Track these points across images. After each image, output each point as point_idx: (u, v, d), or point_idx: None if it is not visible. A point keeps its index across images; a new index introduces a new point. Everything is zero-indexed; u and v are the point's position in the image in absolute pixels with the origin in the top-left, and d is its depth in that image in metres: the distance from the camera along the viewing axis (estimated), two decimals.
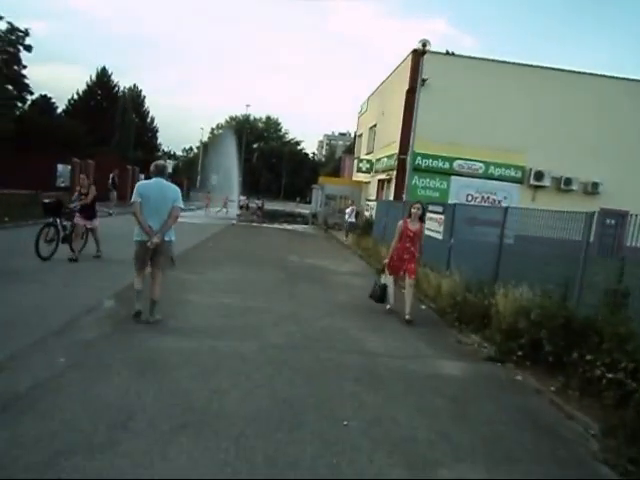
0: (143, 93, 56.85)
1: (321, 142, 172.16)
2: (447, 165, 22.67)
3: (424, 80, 22.18)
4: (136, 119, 50.66)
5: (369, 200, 28.31)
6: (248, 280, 10.59)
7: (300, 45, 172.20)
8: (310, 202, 57.08)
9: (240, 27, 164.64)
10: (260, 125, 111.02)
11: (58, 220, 10.12)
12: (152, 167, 6.28)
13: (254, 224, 27.23)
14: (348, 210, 23.09)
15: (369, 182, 29.97)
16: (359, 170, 29.35)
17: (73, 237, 10.25)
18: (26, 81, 49.18)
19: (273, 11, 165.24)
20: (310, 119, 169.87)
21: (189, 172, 67.68)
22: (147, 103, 57.42)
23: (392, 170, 23.78)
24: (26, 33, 48.87)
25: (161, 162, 6.76)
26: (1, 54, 48.73)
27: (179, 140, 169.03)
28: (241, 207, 34.98)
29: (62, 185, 20.63)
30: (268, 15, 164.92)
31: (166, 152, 57.46)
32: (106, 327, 6.07)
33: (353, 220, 22.53)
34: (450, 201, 18.99)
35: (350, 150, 47.57)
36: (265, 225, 27.74)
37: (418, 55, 22.43)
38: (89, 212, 10.54)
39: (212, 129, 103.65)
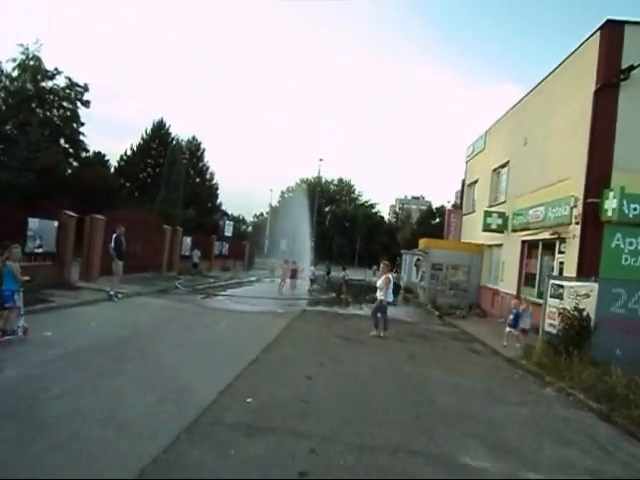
0: (202, 146, 50.89)
1: (393, 206, 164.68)
2: None
3: (630, 69, 12.99)
4: (192, 173, 44.66)
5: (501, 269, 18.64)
6: None
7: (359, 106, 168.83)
8: (397, 271, 47.79)
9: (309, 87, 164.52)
10: (332, 187, 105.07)
11: None
12: None
13: (336, 309, 18.23)
14: (517, 310, 12.61)
15: (500, 245, 20.44)
16: (486, 228, 19.97)
17: None
18: (81, 138, 45.07)
19: (335, 68, 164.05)
20: (380, 184, 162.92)
21: (258, 237, 61.17)
22: (207, 158, 51.46)
23: (564, 225, 14.28)
24: (85, 88, 45.27)
25: None
26: (60, 111, 45.23)
27: (249, 207, 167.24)
28: (312, 280, 26.10)
29: (37, 247, 12.91)
30: (330, 71, 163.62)
31: (226, 213, 50.43)
32: None
33: (527, 326, 12.30)
34: None
35: (454, 206, 38.36)
36: (352, 310, 18.57)
37: (616, 30, 13.40)
38: None
39: (282, 192, 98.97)
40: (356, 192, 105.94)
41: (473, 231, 24.33)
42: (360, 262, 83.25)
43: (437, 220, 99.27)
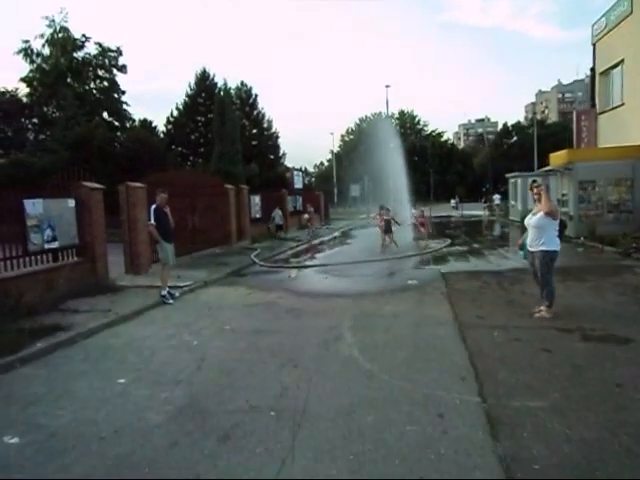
0: (254, 91, 45.06)
1: (457, 133, 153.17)
2: None
3: None
4: (247, 124, 39.69)
5: None
6: None
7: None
8: (487, 201, 41.08)
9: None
10: (394, 122, 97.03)
11: None
12: None
13: (478, 263, 12.87)
14: None
15: None
16: None
17: None
18: (125, 107, 41.14)
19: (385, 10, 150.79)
20: (439, 113, 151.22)
21: (324, 186, 56.12)
22: (261, 104, 45.55)
23: None
24: (119, 52, 40.85)
25: None
26: (97, 81, 41.38)
27: (309, 157, 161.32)
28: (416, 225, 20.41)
29: (49, 241, 8.72)
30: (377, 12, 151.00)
31: (290, 167, 44.85)
32: None
33: None
34: None
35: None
36: (503, 262, 13.12)
37: None
38: None
39: (342, 136, 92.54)
40: (421, 123, 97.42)
41: (623, 132, 17.92)
42: (436, 197, 76.52)
43: (514, 138, 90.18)
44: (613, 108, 19.65)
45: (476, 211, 39.42)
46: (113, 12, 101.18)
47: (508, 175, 30.92)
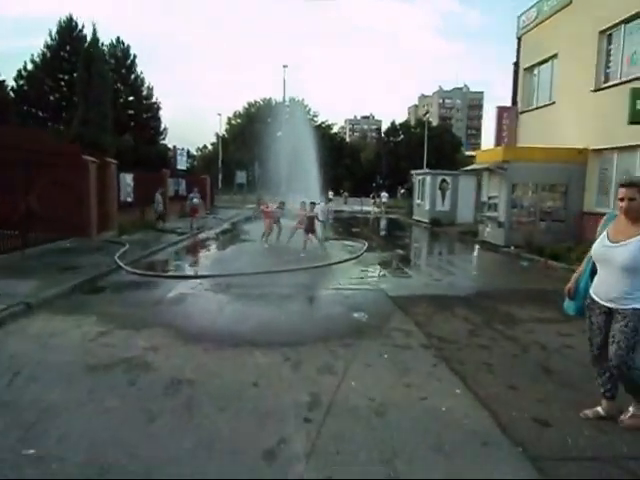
0: (132, 51, 37.96)
1: (343, 128, 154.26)
2: None
3: None
4: (122, 88, 33.62)
5: None
6: None
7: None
8: (374, 197, 40.01)
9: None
10: (286, 109, 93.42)
11: None
12: None
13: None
14: None
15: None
16: (635, 118, 11.85)
17: None
18: None
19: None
20: (326, 106, 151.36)
21: (210, 171, 51.18)
22: (139, 67, 38.60)
23: None
24: None
25: None
26: None
27: (192, 139, 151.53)
28: (324, 222, 17.00)
29: None
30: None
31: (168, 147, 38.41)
32: None
33: None
34: None
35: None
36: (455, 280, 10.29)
37: None
38: None
39: (229, 119, 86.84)
40: (311, 112, 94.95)
41: (550, 132, 16.43)
42: (326, 191, 74.51)
43: (401, 137, 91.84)
44: (540, 107, 18.14)
45: (366, 207, 38.53)
46: None
47: (415, 172, 29.13)
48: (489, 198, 16.85)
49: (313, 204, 13.93)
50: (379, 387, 4.31)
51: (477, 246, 16.32)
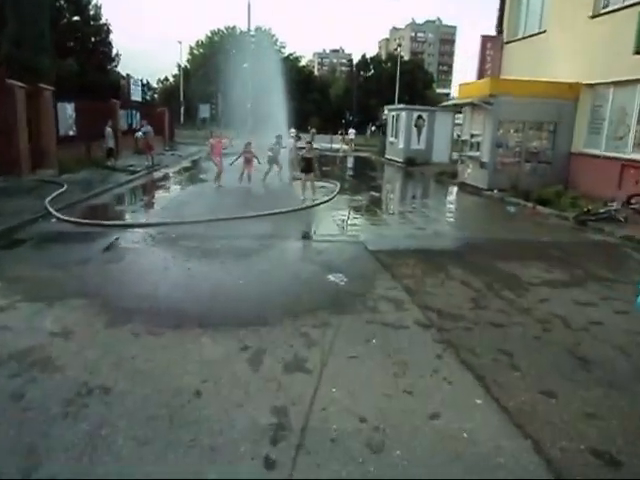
0: None
1: (311, 62, 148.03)
2: None
3: None
4: (65, 5, 29.81)
5: None
6: None
7: None
8: (341, 133, 37.90)
9: None
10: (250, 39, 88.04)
11: None
12: None
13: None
14: None
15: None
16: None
17: None
18: None
19: None
20: (293, 38, 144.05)
21: (171, 105, 47.84)
22: None
23: None
24: None
25: None
26: None
27: (151, 71, 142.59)
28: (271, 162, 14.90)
29: None
30: None
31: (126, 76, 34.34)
32: None
33: None
34: None
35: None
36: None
37: None
38: None
39: (191, 48, 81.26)
40: (278, 43, 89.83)
41: (541, 64, 14.99)
42: (292, 126, 71.73)
43: (372, 72, 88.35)
44: (528, 37, 16.56)
45: (335, 145, 36.44)
46: None
47: (388, 107, 27.34)
48: (471, 136, 15.53)
49: (279, 137, 12.45)
50: (370, 396, 3.12)
51: (457, 189, 15.18)
